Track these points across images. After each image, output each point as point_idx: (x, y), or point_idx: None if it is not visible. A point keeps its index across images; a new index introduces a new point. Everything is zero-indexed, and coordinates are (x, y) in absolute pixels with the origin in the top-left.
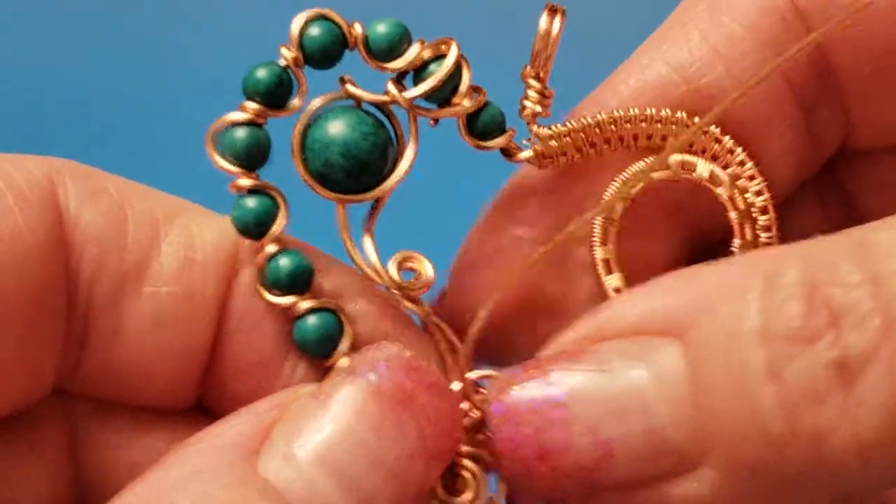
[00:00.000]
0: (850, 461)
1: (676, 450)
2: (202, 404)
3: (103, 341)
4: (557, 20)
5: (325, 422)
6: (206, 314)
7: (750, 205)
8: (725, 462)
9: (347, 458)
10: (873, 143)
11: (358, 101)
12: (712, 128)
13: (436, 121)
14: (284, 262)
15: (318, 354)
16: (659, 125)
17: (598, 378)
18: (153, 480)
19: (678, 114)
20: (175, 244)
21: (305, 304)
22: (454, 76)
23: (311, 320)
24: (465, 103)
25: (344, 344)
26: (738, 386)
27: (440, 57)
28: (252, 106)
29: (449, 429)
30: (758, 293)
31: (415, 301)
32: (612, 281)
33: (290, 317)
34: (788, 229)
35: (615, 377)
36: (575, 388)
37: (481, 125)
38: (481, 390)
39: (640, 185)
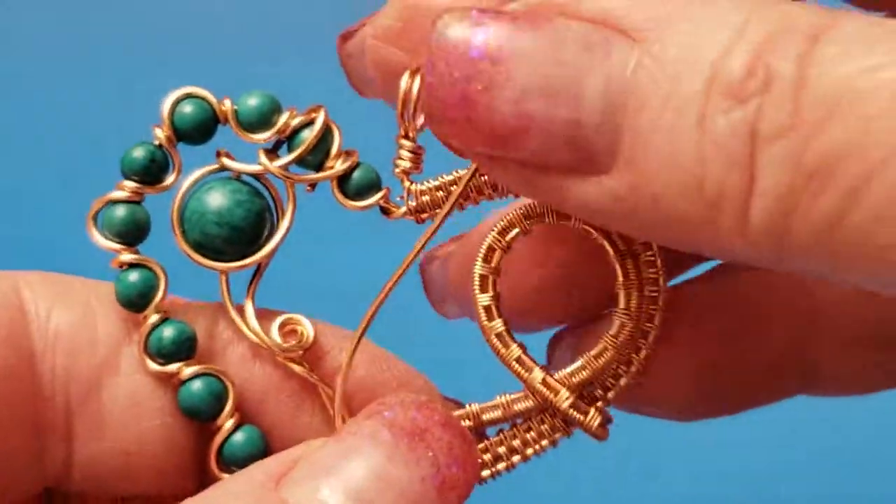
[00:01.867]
0: (734, 235)
1: (589, 150)
2: None
3: (89, 433)
4: (417, 80)
5: (343, 453)
6: None
7: None
8: (633, 180)
9: (364, 484)
10: None
11: (236, 174)
12: None
13: (312, 186)
14: (168, 331)
15: (205, 417)
16: None
17: (547, 49)
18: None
19: None
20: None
21: (190, 370)
22: (325, 141)
23: (196, 385)
24: (337, 166)
25: (229, 405)
26: (673, 119)
27: (312, 123)
28: (129, 184)
29: (463, 460)
30: (726, 35)
31: (296, 362)
32: (484, 299)
33: (175, 384)
34: None
35: (563, 50)
36: (520, 50)
37: (354, 186)
38: None
39: (517, 231)
